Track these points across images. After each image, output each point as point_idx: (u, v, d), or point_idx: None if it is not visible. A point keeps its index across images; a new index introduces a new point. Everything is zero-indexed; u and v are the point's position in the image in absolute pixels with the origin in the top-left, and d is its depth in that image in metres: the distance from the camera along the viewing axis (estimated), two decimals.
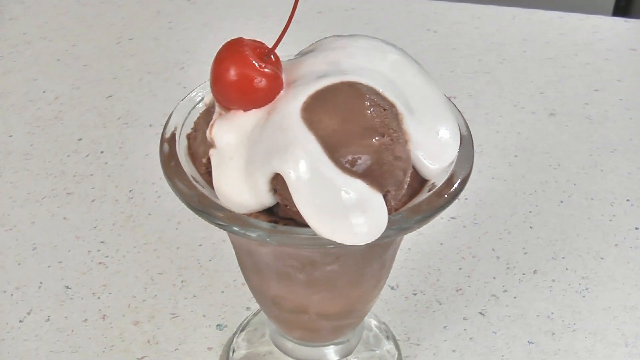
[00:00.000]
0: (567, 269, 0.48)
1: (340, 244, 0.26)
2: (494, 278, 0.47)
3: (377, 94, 0.28)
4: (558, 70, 0.66)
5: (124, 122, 0.59)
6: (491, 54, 0.68)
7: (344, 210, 0.26)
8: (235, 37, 0.29)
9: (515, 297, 0.46)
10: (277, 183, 0.27)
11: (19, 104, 0.61)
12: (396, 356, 0.42)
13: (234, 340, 0.42)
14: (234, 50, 0.28)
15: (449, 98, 0.32)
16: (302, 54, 0.31)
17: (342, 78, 0.28)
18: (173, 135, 0.31)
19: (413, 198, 0.29)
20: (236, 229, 0.27)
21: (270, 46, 0.28)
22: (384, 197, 0.27)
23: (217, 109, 0.29)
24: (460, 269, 0.47)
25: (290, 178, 0.26)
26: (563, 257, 0.48)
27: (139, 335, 0.43)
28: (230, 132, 0.28)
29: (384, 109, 0.27)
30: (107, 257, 0.48)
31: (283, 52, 0.30)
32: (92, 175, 0.54)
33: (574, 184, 0.54)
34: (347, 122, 0.27)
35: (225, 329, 0.44)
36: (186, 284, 0.46)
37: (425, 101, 0.30)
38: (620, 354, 0.43)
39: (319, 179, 0.26)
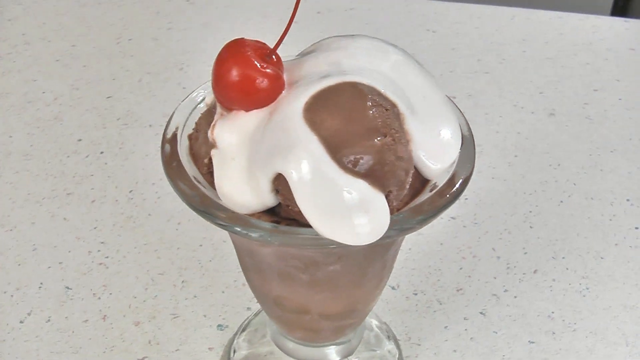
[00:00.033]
0: (567, 268, 0.48)
1: (342, 244, 0.26)
2: (495, 278, 0.47)
3: (379, 94, 0.28)
4: (558, 70, 0.66)
5: (123, 123, 0.59)
6: (491, 54, 0.68)
7: (346, 210, 0.26)
8: (235, 37, 0.29)
9: (515, 297, 0.46)
10: (279, 183, 0.27)
11: (19, 104, 0.61)
12: (397, 356, 0.42)
13: (235, 341, 0.42)
14: (235, 51, 0.28)
15: (450, 98, 0.32)
16: (303, 55, 0.31)
17: (343, 78, 0.28)
18: (174, 135, 0.31)
19: (415, 198, 0.29)
20: (238, 229, 0.27)
21: (271, 47, 0.28)
22: (386, 197, 0.27)
23: (219, 109, 0.29)
24: (460, 268, 0.47)
25: (293, 178, 0.26)
26: (563, 257, 0.48)
27: (140, 335, 0.43)
28: (232, 133, 0.28)
29: (386, 109, 0.27)
30: (107, 257, 0.48)
31: (283, 53, 0.30)
32: (92, 175, 0.54)
33: (574, 184, 0.54)
34: (349, 122, 0.27)
35: (226, 330, 0.44)
36: (187, 284, 0.46)
37: (426, 101, 0.30)
38: (620, 353, 0.43)
39: (321, 179, 0.26)
